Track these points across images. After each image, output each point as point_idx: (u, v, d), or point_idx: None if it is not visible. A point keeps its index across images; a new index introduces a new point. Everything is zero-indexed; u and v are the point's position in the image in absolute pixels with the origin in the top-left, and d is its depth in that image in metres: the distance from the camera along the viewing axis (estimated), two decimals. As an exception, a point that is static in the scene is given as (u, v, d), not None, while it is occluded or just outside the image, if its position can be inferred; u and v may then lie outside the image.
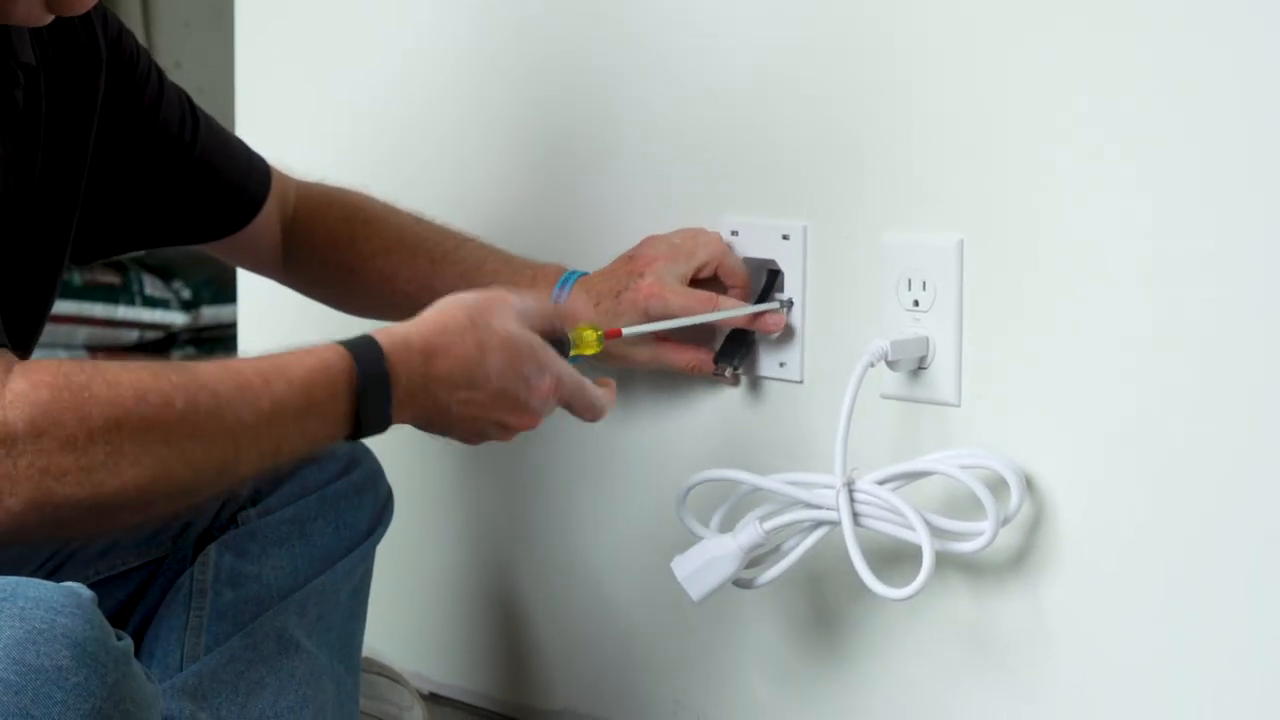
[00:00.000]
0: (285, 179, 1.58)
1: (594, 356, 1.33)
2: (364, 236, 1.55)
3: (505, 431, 1.24)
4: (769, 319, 1.43)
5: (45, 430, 1.02)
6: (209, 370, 1.10)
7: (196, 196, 1.49)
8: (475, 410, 1.20)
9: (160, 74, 1.47)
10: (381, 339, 1.16)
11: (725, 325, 1.45)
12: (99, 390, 1.04)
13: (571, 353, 1.28)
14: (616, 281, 1.44)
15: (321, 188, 1.60)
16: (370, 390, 1.15)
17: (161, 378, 1.07)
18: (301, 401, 1.12)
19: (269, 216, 1.54)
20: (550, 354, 1.24)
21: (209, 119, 1.51)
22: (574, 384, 1.26)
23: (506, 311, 1.22)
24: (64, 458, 1.03)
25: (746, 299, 1.44)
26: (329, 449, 1.19)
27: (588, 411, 1.28)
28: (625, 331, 1.36)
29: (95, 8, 1.37)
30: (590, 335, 1.30)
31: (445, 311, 1.21)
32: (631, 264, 1.44)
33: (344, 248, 1.56)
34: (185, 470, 1.07)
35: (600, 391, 1.28)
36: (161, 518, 1.13)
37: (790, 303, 1.43)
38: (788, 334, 1.44)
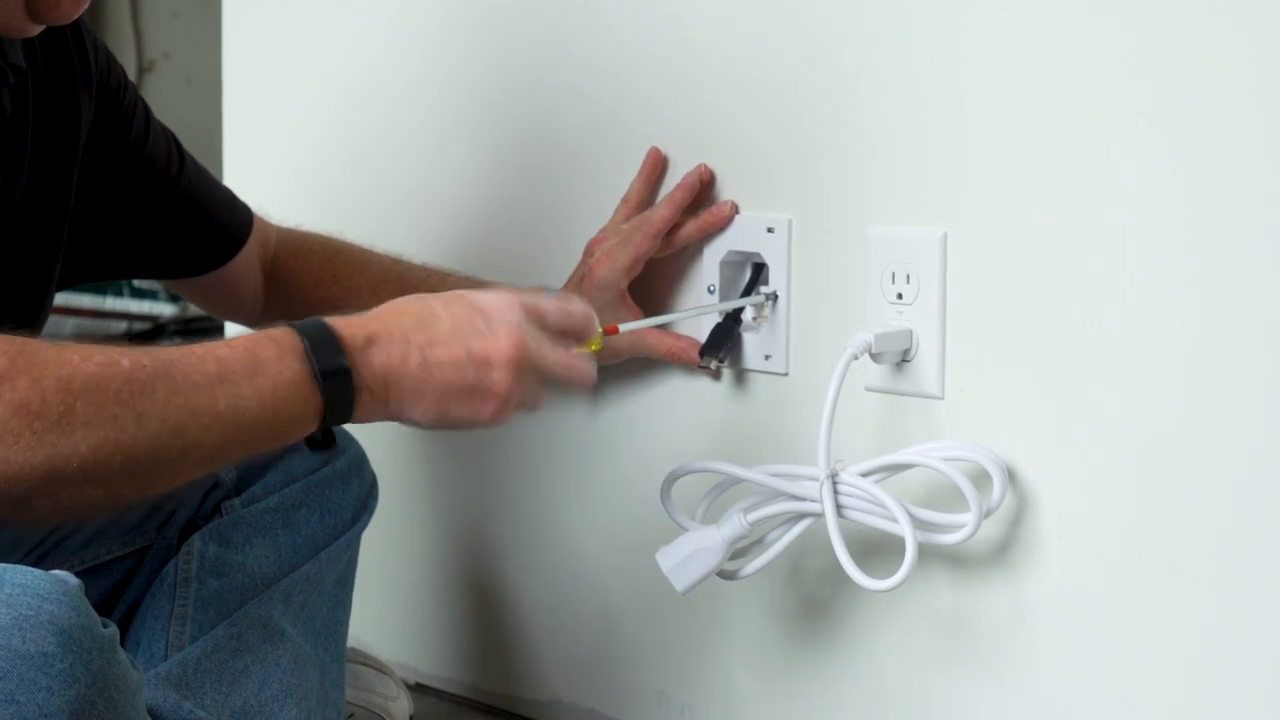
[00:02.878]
0: (267, 224, 1.59)
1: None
2: (348, 275, 1.56)
3: (484, 398, 1.16)
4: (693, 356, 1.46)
5: None
6: (150, 346, 1.10)
7: (178, 231, 1.49)
8: (443, 353, 1.15)
9: (148, 110, 1.48)
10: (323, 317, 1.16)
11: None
12: (48, 354, 1.04)
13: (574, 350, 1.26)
14: (578, 274, 1.48)
15: (302, 232, 1.61)
16: (316, 344, 1.12)
17: (104, 345, 1.07)
18: (247, 361, 1.10)
19: (249, 257, 1.55)
20: (505, 305, 1.19)
21: (194, 160, 1.52)
22: (543, 355, 1.19)
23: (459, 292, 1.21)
24: (16, 420, 1.01)
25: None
26: (305, 423, 1.13)
27: (570, 378, 1.21)
28: (621, 328, 1.35)
29: (87, 34, 1.38)
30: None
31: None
32: (585, 254, 1.48)
33: (328, 285, 1.56)
34: (140, 433, 1.05)
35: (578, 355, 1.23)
36: (129, 497, 1.09)
37: (775, 296, 1.44)
38: (773, 327, 1.44)
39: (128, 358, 1.06)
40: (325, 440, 1.18)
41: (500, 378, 1.16)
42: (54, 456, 1.02)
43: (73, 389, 1.03)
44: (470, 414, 1.17)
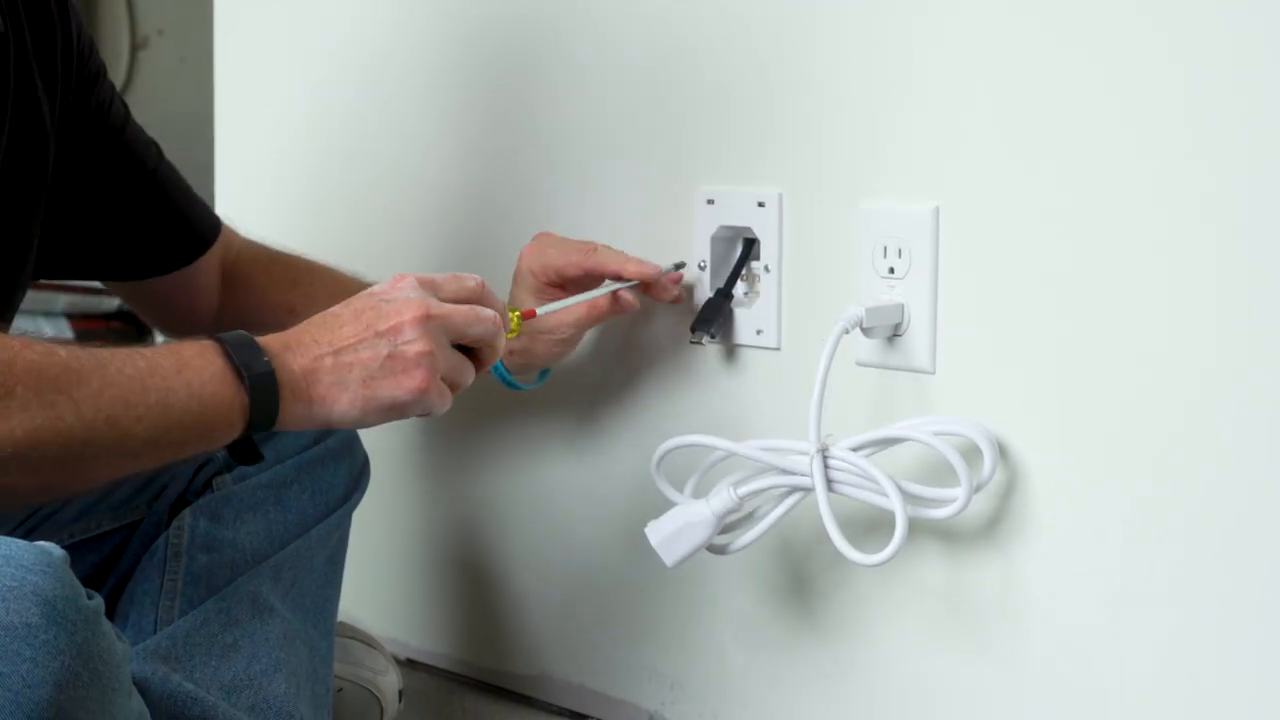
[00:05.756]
0: (233, 231, 1.60)
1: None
2: (307, 281, 1.58)
3: (405, 367, 1.19)
4: (628, 301, 1.44)
5: None
6: (80, 346, 1.13)
7: (153, 221, 1.50)
8: (351, 340, 1.18)
9: (125, 103, 1.49)
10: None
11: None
12: None
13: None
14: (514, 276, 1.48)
15: (263, 245, 1.62)
16: (235, 345, 1.15)
17: (40, 339, 1.10)
18: (173, 359, 1.13)
19: (213, 261, 1.56)
20: (397, 282, 1.23)
21: (169, 161, 1.53)
22: (446, 308, 1.22)
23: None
24: None
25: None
26: (231, 420, 1.15)
27: (480, 327, 1.23)
28: (539, 311, 1.38)
29: (74, 16, 1.39)
30: (509, 317, 1.32)
31: None
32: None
33: (287, 288, 1.58)
34: (75, 421, 1.07)
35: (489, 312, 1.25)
36: (54, 488, 1.12)
37: (683, 265, 1.45)
38: (764, 302, 1.44)
39: (64, 350, 1.09)
40: (250, 454, 1.20)
41: (412, 338, 1.19)
42: None
43: (15, 373, 1.06)
44: (399, 389, 1.19)
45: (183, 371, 1.13)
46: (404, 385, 1.19)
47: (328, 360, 1.18)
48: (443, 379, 1.21)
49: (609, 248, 1.44)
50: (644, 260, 1.44)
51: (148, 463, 1.15)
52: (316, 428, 1.20)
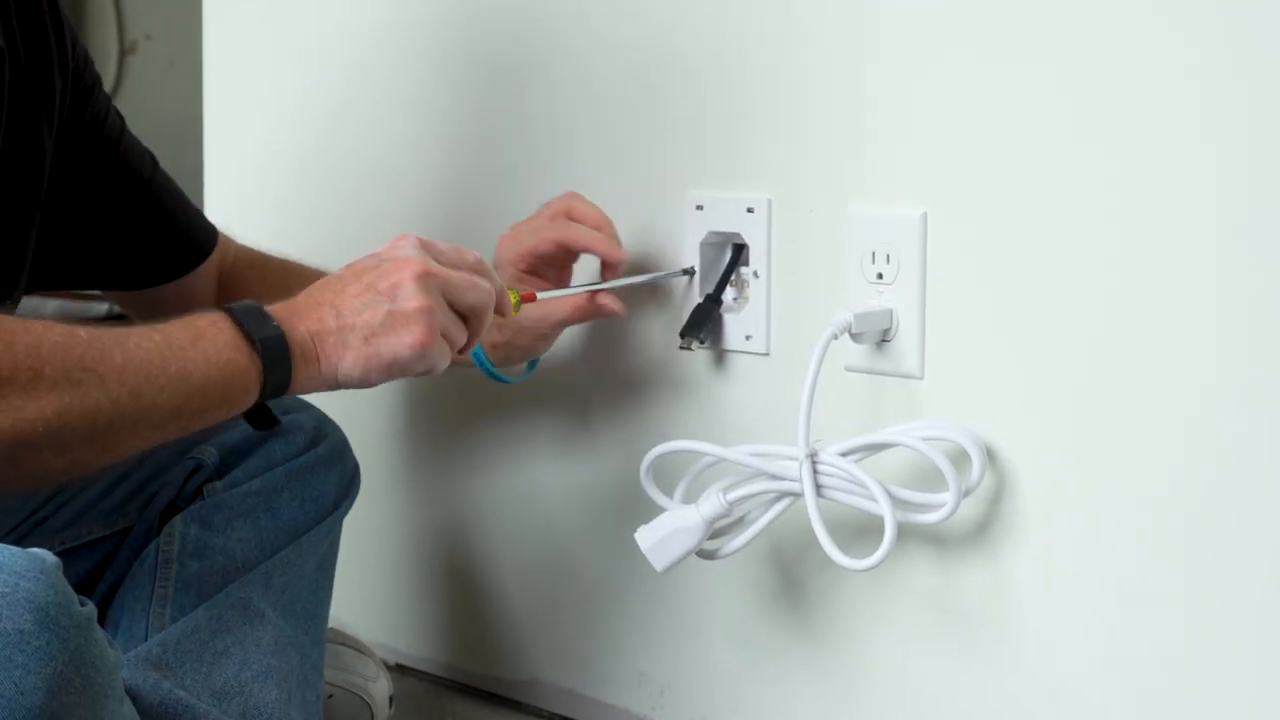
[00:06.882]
0: (229, 240, 1.61)
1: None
2: (301, 285, 1.57)
3: (405, 322, 1.20)
4: (608, 305, 1.46)
5: None
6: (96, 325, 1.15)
7: (149, 231, 1.50)
8: (354, 300, 1.20)
9: (120, 115, 1.50)
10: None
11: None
12: (14, 323, 1.08)
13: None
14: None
15: (258, 250, 1.63)
16: (243, 314, 1.18)
17: (58, 322, 1.11)
18: (187, 331, 1.15)
19: (209, 271, 1.56)
20: (398, 242, 1.25)
21: (165, 172, 1.53)
22: (445, 270, 1.24)
23: None
24: None
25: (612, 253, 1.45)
26: (247, 386, 1.17)
27: (475, 294, 1.25)
28: (540, 295, 1.39)
29: (67, 26, 1.39)
30: (509, 298, 1.32)
31: None
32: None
33: (281, 294, 1.56)
34: (102, 396, 1.09)
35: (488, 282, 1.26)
36: (86, 464, 1.13)
37: (692, 271, 1.45)
38: (753, 307, 1.44)
39: (84, 330, 1.11)
40: (266, 419, 1.21)
41: (411, 294, 1.21)
42: (20, 421, 1.06)
43: (41, 354, 1.07)
44: (400, 345, 1.20)
45: (198, 342, 1.15)
46: (405, 341, 1.20)
47: (331, 321, 1.20)
48: (442, 336, 1.22)
49: (575, 205, 1.46)
50: (612, 240, 1.45)
51: (173, 433, 1.16)
52: (326, 389, 1.21)
